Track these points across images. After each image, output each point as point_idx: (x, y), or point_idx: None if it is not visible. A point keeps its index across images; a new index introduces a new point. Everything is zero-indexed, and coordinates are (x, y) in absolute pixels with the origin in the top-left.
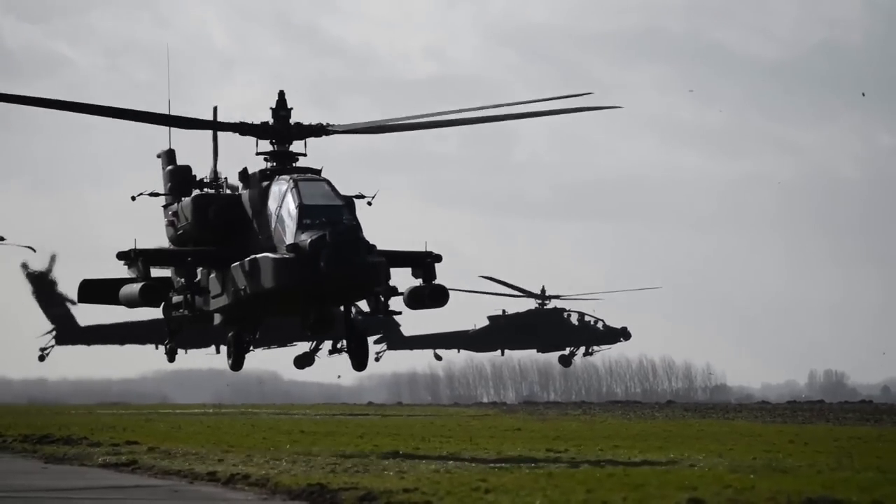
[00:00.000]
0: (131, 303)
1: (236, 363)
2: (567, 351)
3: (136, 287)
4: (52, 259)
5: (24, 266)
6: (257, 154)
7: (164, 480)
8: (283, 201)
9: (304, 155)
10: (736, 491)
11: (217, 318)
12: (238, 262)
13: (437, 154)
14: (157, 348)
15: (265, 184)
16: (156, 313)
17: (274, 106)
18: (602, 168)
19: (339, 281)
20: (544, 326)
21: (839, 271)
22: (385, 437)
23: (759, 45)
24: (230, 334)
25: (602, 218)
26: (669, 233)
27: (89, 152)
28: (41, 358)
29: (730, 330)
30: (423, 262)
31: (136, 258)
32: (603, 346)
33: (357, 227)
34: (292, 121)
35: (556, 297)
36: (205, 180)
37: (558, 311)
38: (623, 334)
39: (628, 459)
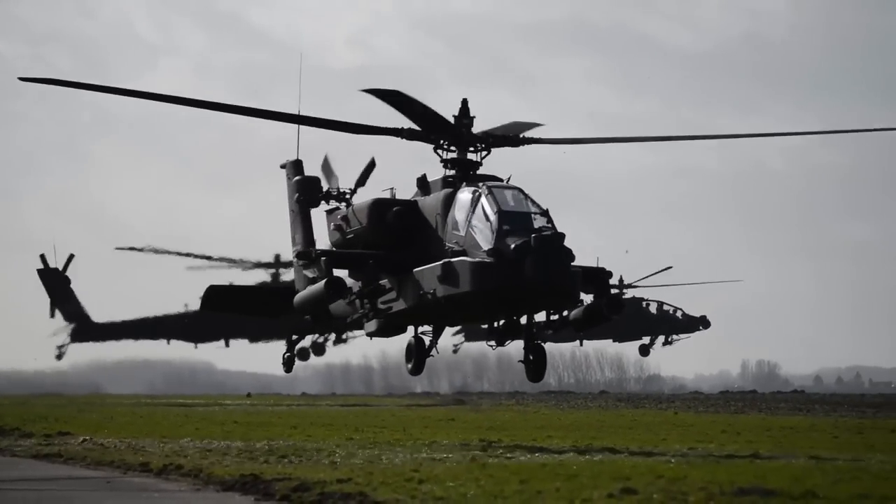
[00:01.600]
0: (310, 301)
1: (417, 367)
2: (647, 340)
3: (320, 283)
4: (69, 258)
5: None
6: (441, 161)
7: (97, 471)
8: (476, 208)
9: (481, 164)
10: (668, 481)
11: (372, 326)
12: (427, 266)
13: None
14: (168, 343)
15: (448, 191)
16: (163, 310)
17: (457, 114)
18: (531, 159)
19: (541, 287)
20: (623, 317)
21: (770, 263)
22: (318, 428)
23: (684, 37)
24: (411, 338)
25: None
26: (597, 223)
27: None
28: (59, 357)
29: None
30: (598, 278)
31: (317, 258)
32: (682, 336)
33: (563, 236)
34: (479, 130)
35: (632, 285)
36: (331, 191)
37: (637, 301)
38: (703, 322)
39: (562, 449)
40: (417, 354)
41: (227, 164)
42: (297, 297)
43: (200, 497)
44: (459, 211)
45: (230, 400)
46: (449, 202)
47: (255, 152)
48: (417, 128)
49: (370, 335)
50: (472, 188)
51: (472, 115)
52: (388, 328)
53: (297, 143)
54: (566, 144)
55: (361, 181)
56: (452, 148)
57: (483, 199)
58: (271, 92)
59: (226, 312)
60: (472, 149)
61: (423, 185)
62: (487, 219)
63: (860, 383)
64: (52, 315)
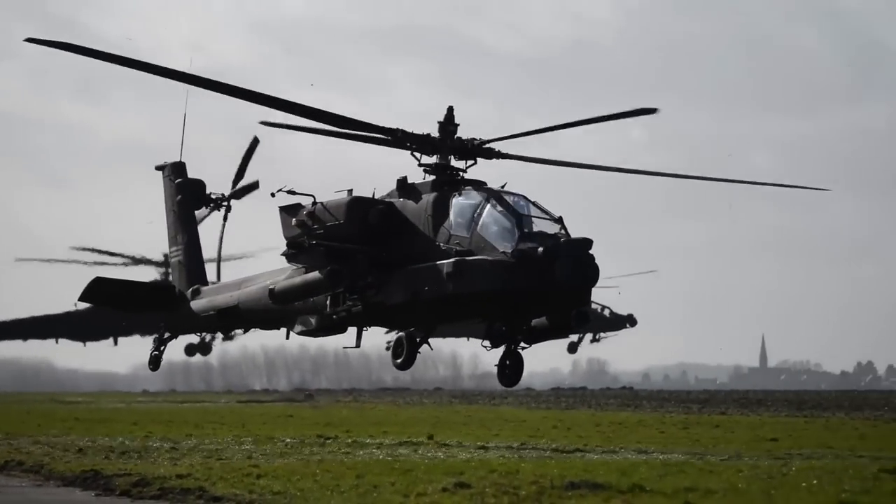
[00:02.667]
0: (302, 290)
1: (407, 362)
2: (575, 338)
3: (319, 272)
4: None
5: None
6: (419, 165)
7: None
8: (484, 211)
9: (465, 171)
10: (501, 475)
11: (311, 323)
12: (432, 263)
13: None
14: (57, 342)
15: (438, 193)
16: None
17: (442, 120)
18: (357, 162)
19: (566, 289)
20: None
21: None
22: (159, 425)
23: (512, 42)
24: (402, 334)
25: None
26: None
27: None
28: None
29: None
30: None
31: (310, 249)
32: (609, 333)
33: (591, 241)
34: (465, 137)
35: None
36: (212, 195)
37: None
38: (629, 321)
39: (398, 444)
40: (409, 349)
41: (66, 163)
42: (284, 286)
43: (42, 492)
44: (461, 213)
45: (71, 397)
46: (444, 204)
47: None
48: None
49: (305, 333)
50: (478, 192)
51: (456, 122)
52: (335, 327)
53: (182, 146)
54: (551, 165)
55: (244, 165)
56: (434, 154)
57: (494, 203)
58: (108, 96)
59: (107, 306)
60: (455, 156)
61: (404, 187)
62: (504, 222)
63: (686, 380)
64: None
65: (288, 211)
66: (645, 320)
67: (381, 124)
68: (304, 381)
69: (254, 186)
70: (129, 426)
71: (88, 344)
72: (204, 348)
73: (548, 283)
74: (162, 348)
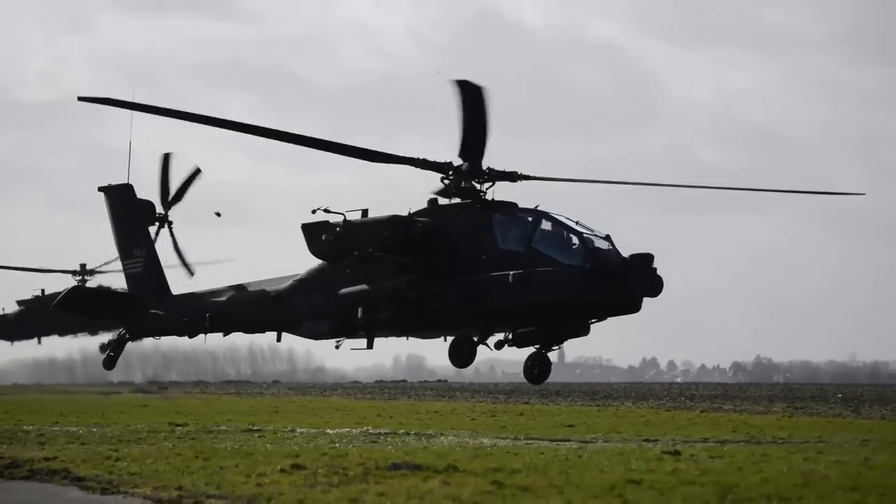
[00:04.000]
0: (378, 296)
1: (467, 361)
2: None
3: (398, 280)
4: None
5: None
6: (437, 193)
7: None
8: (539, 228)
9: (484, 193)
10: (332, 457)
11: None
12: (496, 274)
13: None
14: (39, 342)
15: (475, 213)
16: None
17: (460, 147)
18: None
19: (637, 298)
20: None
21: None
22: (28, 414)
23: (329, 76)
24: (459, 336)
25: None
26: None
27: None
28: None
29: None
30: None
31: (377, 259)
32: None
33: (653, 256)
34: (484, 165)
35: (100, 271)
36: (159, 214)
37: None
38: None
39: (241, 430)
40: (469, 350)
41: None
42: (353, 291)
43: None
44: (509, 230)
45: None
46: (486, 222)
47: None
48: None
49: (318, 337)
50: (526, 211)
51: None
52: (352, 332)
53: (128, 169)
54: (558, 182)
55: (183, 191)
56: (456, 178)
57: (547, 222)
58: None
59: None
60: (476, 180)
61: (437, 207)
62: (564, 238)
63: (494, 374)
64: None
65: (313, 228)
66: None
67: (404, 155)
68: (156, 374)
69: (196, 173)
70: (2, 415)
71: (16, 343)
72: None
73: (620, 293)
74: (118, 350)
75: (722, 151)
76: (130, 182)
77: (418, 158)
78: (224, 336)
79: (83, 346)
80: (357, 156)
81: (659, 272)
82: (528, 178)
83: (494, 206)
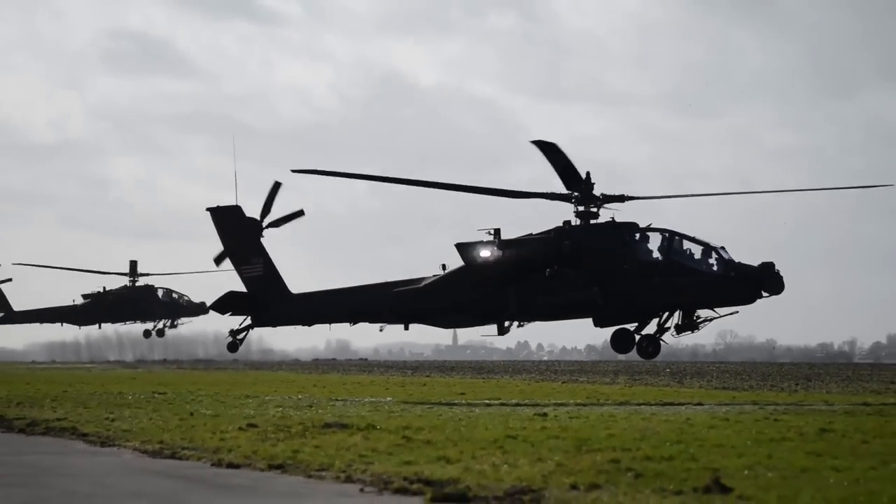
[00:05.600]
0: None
1: (628, 348)
2: (161, 324)
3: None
4: None
5: None
6: (576, 214)
7: None
8: (674, 242)
9: (598, 215)
10: (278, 419)
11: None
12: (671, 277)
13: None
14: (62, 325)
15: (608, 231)
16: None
17: (584, 178)
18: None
19: (763, 296)
20: (138, 303)
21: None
22: (43, 384)
23: (268, 121)
24: (616, 330)
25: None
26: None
27: None
28: None
29: None
30: None
31: (564, 274)
32: (184, 320)
33: (774, 263)
34: (597, 191)
35: (147, 274)
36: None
37: (151, 288)
38: (201, 309)
39: (207, 397)
40: (629, 340)
41: None
42: (518, 289)
43: None
44: (646, 245)
45: None
46: (621, 238)
47: None
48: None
49: (458, 326)
50: (656, 230)
51: (592, 181)
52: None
53: (236, 193)
54: (663, 199)
55: (283, 222)
56: (581, 203)
57: (679, 238)
58: None
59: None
60: (593, 205)
61: (571, 227)
62: (699, 250)
63: (403, 354)
64: None
65: (469, 246)
66: None
67: (534, 191)
68: (143, 355)
69: (300, 214)
70: (24, 385)
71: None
72: (160, 333)
73: (755, 293)
74: (242, 337)
75: None
76: (238, 203)
77: (547, 192)
78: (351, 325)
79: (87, 333)
80: (495, 194)
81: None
82: (633, 198)
83: (623, 225)
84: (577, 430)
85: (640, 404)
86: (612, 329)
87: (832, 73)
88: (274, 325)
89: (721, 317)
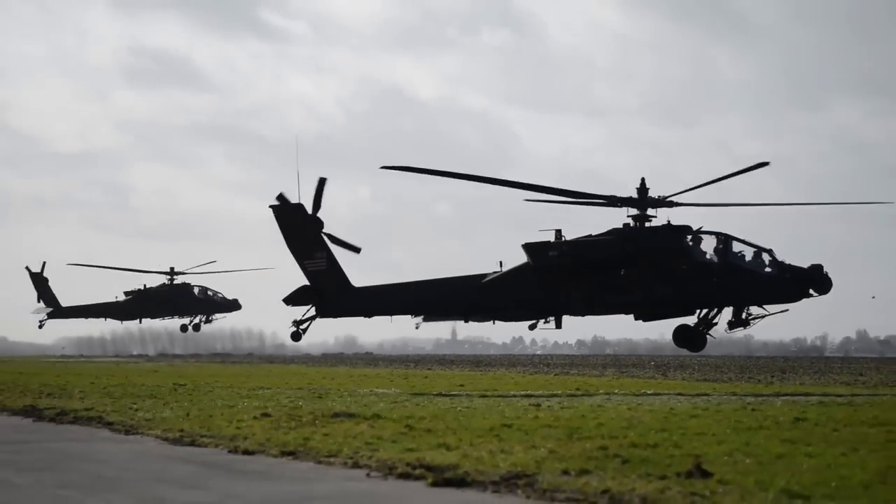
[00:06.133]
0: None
1: (700, 344)
2: (197, 319)
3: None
4: (44, 264)
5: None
6: (629, 216)
7: None
8: (731, 245)
9: (655, 216)
10: (290, 409)
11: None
12: (731, 276)
13: None
14: (105, 320)
15: (665, 233)
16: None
17: (639, 186)
18: (183, 206)
19: (811, 295)
20: (176, 299)
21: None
22: (72, 376)
23: (280, 133)
24: (679, 325)
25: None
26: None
27: None
28: (40, 327)
29: None
30: None
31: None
32: (218, 315)
33: (823, 265)
34: (656, 194)
35: (183, 272)
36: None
37: (188, 286)
38: (234, 305)
39: (224, 388)
40: (693, 334)
41: None
42: (587, 286)
43: (0, 418)
44: (702, 247)
45: (17, 360)
46: (679, 240)
47: None
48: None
49: (518, 320)
50: (711, 233)
51: (647, 187)
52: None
53: (298, 192)
54: (710, 207)
55: (317, 204)
56: (634, 208)
57: (733, 241)
58: None
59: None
60: (650, 209)
61: (628, 229)
62: (753, 253)
63: (406, 348)
64: (39, 301)
65: (536, 246)
66: None
67: (598, 194)
68: (163, 349)
69: (322, 183)
70: (54, 377)
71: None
72: (196, 327)
73: (805, 292)
74: (305, 328)
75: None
76: (301, 202)
77: (608, 195)
78: (413, 318)
79: (112, 329)
80: (559, 194)
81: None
82: (680, 204)
83: (679, 228)
84: (569, 419)
85: (626, 395)
86: (652, 323)
87: (801, 86)
88: (336, 316)
89: (770, 314)
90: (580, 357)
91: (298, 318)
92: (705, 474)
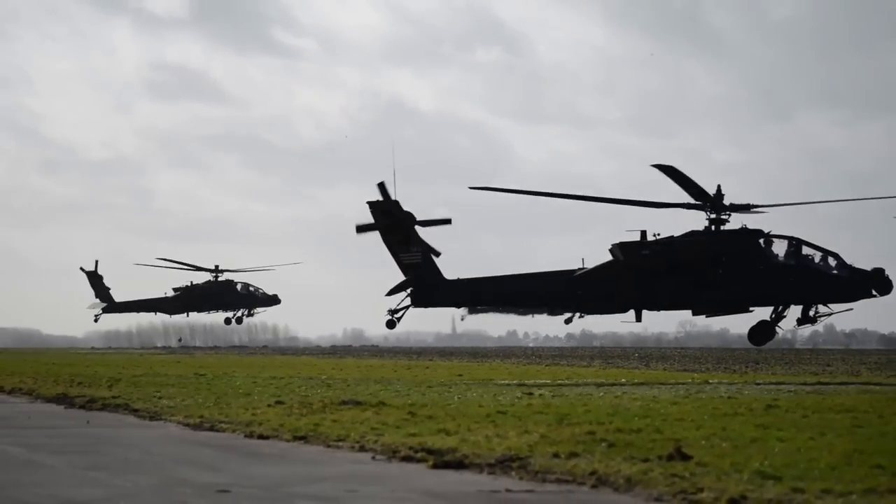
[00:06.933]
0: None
1: (769, 337)
2: (240, 313)
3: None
4: (97, 263)
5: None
6: (707, 219)
7: None
8: (802, 248)
9: (728, 221)
10: (302, 397)
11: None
12: (824, 274)
13: None
14: (155, 314)
15: (742, 236)
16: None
17: (713, 193)
18: (203, 210)
19: (883, 295)
20: (220, 295)
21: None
22: (101, 367)
23: (291, 142)
24: (759, 321)
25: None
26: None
27: None
28: (95, 321)
29: None
30: None
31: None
32: (259, 309)
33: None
34: (726, 201)
35: (234, 270)
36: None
37: (231, 283)
38: (274, 300)
39: (241, 377)
40: (767, 328)
41: None
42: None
43: (33, 406)
44: (775, 249)
45: (52, 352)
46: (755, 242)
47: None
48: (692, 199)
49: (603, 313)
50: (784, 236)
51: (722, 192)
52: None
53: (395, 189)
54: (779, 206)
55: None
56: (712, 212)
57: (805, 244)
58: None
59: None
60: (724, 214)
61: (708, 232)
62: (823, 255)
63: (409, 340)
64: (96, 297)
65: (629, 245)
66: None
67: (672, 202)
68: (185, 341)
69: (446, 221)
70: (84, 368)
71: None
72: (238, 321)
73: (868, 292)
74: (400, 317)
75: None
76: (396, 199)
77: (683, 203)
78: (499, 311)
79: (136, 322)
80: (641, 205)
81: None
82: (758, 206)
83: (754, 231)
84: (559, 406)
85: (612, 384)
86: (717, 317)
87: (771, 99)
88: (429, 306)
89: (835, 313)
90: (569, 349)
91: (393, 308)
92: (685, 457)
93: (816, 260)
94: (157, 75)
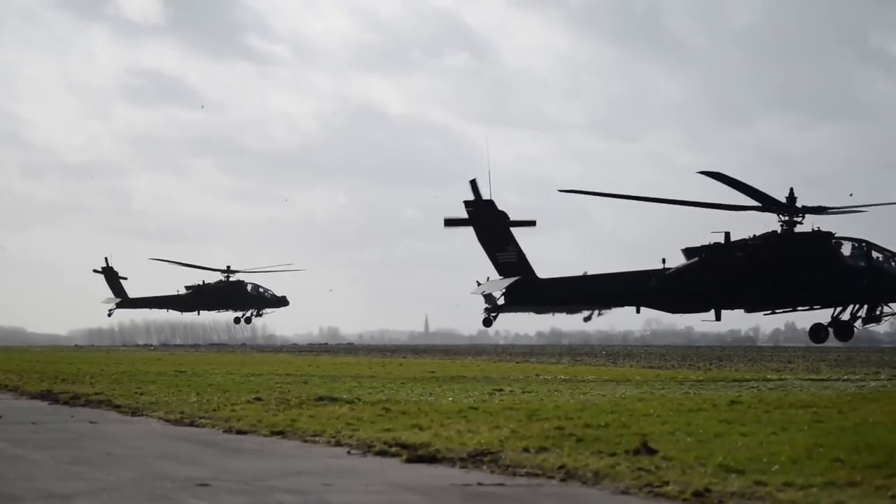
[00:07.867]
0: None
1: (825, 337)
2: (249, 313)
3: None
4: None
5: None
6: (779, 222)
7: None
8: (873, 250)
9: (801, 223)
10: (280, 393)
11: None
12: (875, 280)
13: None
14: (167, 311)
15: (814, 238)
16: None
17: (787, 195)
18: (180, 211)
19: None
20: (231, 294)
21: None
22: (84, 364)
23: (266, 145)
24: (816, 323)
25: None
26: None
27: None
28: (109, 315)
29: None
30: None
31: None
32: (268, 310)
33: None
34: (799, 204)
35: (237, 271)
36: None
37: (242, 283)
38: (283, 301)
39: (220, 374)
40: (825, 332)
41: None
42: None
43: (18, 402)
44: (845, 251)
45: (35, 350)
46: (826, 244)
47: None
48: (754, 202)
49: (685, 312)
50: (853, 239)
51: (795, 195)
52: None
53: (490, 188)
54: (854, 212)
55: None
56: (784, 214)
57: (874, 246)
58: None
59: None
60: (797, 217)
61: (784, 234)
62: (893, 258)
63: (383, 339)
64: (112, 293)
65: (693, 249)
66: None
67: (745, 204)
68: (166, 339)
69: (531, 223)
70: (68, 365)
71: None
72: (248, 321)
73: None
74: (496, 315)
75: (519, 196)
76: (491, 198)
77: (755, 206)
78: (586, 309)
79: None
80: (714, 208)
81: None
82: (832, 208)
83: (826, 234)
84: (528, 402)
85: (580, 381)
86: (760, 313)
87: (729, 104)
88: (524, 303)
89: None
90: (538, 346)
91: (489, 306)
92: (651, 451)
93: (884, 261)
94: (135, 80)
